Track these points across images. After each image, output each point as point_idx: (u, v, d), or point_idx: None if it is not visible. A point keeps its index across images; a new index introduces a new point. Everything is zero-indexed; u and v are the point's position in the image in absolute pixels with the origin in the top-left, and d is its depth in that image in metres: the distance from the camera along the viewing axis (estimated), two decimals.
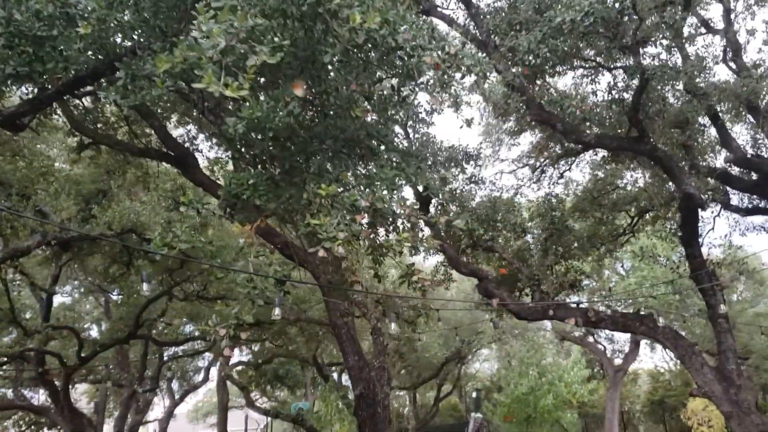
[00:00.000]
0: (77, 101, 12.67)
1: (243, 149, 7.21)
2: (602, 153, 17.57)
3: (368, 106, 7.48)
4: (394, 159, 7.54)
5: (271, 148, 7.08)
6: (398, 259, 8.55)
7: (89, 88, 9.97)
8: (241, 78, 5.11)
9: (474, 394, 38.12)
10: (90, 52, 7.99)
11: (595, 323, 14.43)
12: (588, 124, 13.03)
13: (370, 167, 7.20)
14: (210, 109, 9.02)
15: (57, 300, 31.17)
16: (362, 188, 6.83)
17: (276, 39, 5.45)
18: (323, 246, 6.12)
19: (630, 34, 11.36)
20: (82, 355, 22.68)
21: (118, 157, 15.68)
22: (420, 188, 8.52)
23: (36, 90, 8.92)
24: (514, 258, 17.20)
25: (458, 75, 7.58)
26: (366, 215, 6.53)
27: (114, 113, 13.97)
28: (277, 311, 6.66)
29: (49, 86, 8.67)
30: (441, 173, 8.32)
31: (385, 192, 6.88)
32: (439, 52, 7.38)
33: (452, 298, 25.07)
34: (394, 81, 7.55)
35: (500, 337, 30.05)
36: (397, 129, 15.28)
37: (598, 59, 14.18)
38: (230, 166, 8.08)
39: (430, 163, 13.24)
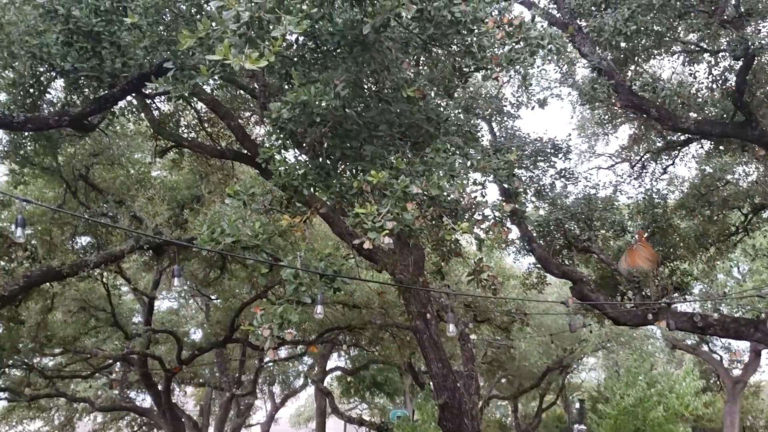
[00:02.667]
0: (155, 104, 12.81)
1: (294, 137, 6.83)
2: (708, 145, 16.14)
3: (425, 85, 6.92)
4: (455, 145, 6.94)
5: (321, 134, 6.67)
6: (477, 256, 7.90)
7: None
8: (266, 50, 4.70)
9: (578, 404, 36.41)
10: (147, 46, 7.89)
11: (703, 329, 13.14)
12: (686, 109, 11.86)
13: (428, 153, 6.64)
14: (270, 99, 8.72)
15: (163, 305, 32.39)
16: (418, 175, 6.27)
17: (305, 7, 5.02)
18: (369, 237, 5.63)
19: (732, 5, 10.20)
20: (182, 358, 23.22)
21: (200, 160, 15.83)
22: (490, 178, 7.85)
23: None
24: (613, 259, 16.09)
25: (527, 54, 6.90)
26: (417, 204, 5.98)
27: (193, 115, 14.10)
28: (319, 309, 6.21)
29: (114, 85, 8.70)
30: (504, 154, 7.60)
31: (443, 179, 6.29)
32: (506, 26, 6.75)
33: (547, 301, 23.92)
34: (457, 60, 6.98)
35: (605, 345, 28.46)
36: (481, 123, 14.67)
37: (697, 43, 12.97)
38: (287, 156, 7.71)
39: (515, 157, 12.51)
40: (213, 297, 27.40)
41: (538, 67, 12.47)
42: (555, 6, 11.81)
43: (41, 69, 9.49)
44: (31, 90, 10.32)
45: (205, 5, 6.77)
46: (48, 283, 18.04)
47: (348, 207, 6.59)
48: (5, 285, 12.90)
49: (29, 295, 17.98)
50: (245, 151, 12.90)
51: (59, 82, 11.22)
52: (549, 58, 7.32)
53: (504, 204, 6.67)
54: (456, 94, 12.35)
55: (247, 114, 14.37)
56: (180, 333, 25.10)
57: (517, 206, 8.05)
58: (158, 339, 26.85)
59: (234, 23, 4.68)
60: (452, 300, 14.75)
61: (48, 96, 11.34)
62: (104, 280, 19.63)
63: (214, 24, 4.74)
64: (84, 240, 18.98)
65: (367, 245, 5.62)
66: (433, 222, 7.09)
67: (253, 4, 4.67)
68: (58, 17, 7.45)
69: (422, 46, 7.18)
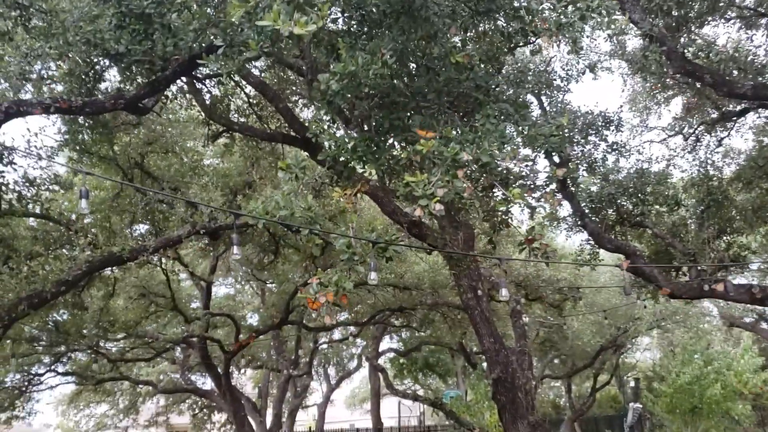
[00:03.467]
0: (206, 87, 13.06)
1: (342, 109, 6.90)
2: (767, 114, 15.63)
3: (473, 54, 6.89)
4: (505, 112, 6.89)
5: (369, 106, 6.73)
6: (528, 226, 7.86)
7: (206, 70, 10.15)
8: (314, 15, 4.77)
9: (632, 383, 35.85)
10: (197, 28, 8.06)
11: (762, 300, 12.79)
12: (743, 75, 11.49)
13: (477, 120, 6.62)
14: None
15: (221, 291, 33.12)
16: (468, 143, 6.27)
17: None
18: (420, 204, 5.67)
19: None
20: (239, 341, 23.74)
21: (251, 144, 16.07)
22: (540, 151, 7.76)
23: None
24: (667, 234, 15.78)
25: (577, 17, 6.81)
26: (467, 173, 5.99)
27: (243, 99, 14.31)
28: (373, 275, 6.28)
29: (167, 67, 8.91)
30: (555, 120, 7.50)
31: (494, 145, 6.26)
32: None
33: (601, 280, 23.60)
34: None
35: (659, 323, 27.93)
36: (530, 98, 14.49)
37: (756, 8, 12.53)
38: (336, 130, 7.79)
39: (566, 130, 12.33)
40: (268, 281, 27.90)
41: (587, 36, 12.24)
42: None
43: (95, 56, 9.77)
44: (86, 78, 10.64)
45: None
46: (109, 270, 18.67)
47: (398, 180, 6.63)
48: (69, 271, 13.37)
49: (92, 282, 18.62)
50: (294, 134, 13.06)
51: (113, 72, 11.58)
52: (599, 23, 7.20)
53: (556, 170, 6.61)
54: (504, 70, 12.25)
55: (295, 98, 14.52)
56: (237, 317, 25.68)
57: (568, 171, 7.93)
58: (216, 323, 27.54)
59: None
60: (503, 277, 14.66)
61: (102, 85, 11.71)
62: (163, 266, 20.16)
63: None
64: (142, 228, 19.52)
65: (418, 212, 5.66)
66: (483, 192, 7.09)
67: None
68: (111, 1, 7.67)
69: (470, 15, 7.15)
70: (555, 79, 14.68)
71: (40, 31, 9.04)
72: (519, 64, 14.07)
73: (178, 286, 25.14)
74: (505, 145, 6.37)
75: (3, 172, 11.01)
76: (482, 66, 7.75)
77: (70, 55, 9.50)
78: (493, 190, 7.37)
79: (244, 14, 4.96)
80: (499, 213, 7.35)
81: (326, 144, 6.73)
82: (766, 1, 11.79)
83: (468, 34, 7.77)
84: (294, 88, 13.72)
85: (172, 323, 27.00)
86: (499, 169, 6.59)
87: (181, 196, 17.69)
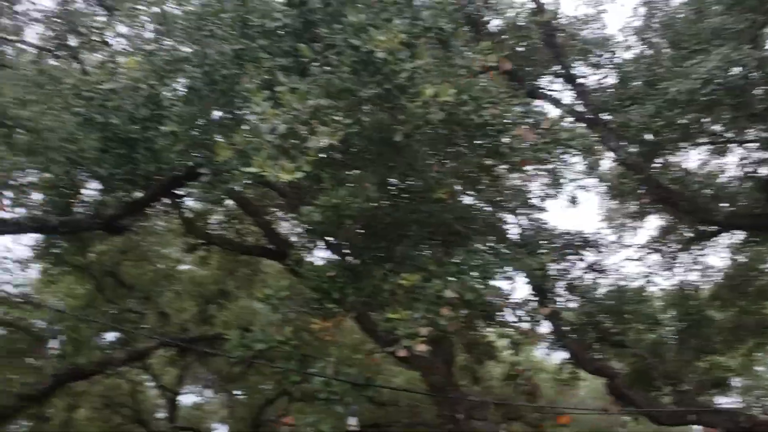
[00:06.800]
0: (184, 202, 13.00)
1: (323, 238, 6.83)
2: (741, 235, 15.87)
3: (455, 187, 6.93)
4: (487, 245, 6.86)
5: (353, 237, 6.66)
6: (508, 356, 7.70)
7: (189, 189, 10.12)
8: (302, 161, 4.75)
9: None
10: (181, 149, 8.05)
11: (749, 431, 12.49)
12: (717, 201, 11.73)
13: (460, 254, 6.57)
14: (302, 202, 8.79)
15: (188, 399, 31.86)
16: (450, 278, 6.18)
17: (339, 119, 5.10)
18: (403, 345, 5.49)
19: (758, 99, 10.24)
20: None
21: (229, 257, 15.92)
22: (523, 276, 7.72)
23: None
24: (647, 353, 15.58)
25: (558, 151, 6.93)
26: (452, 308, 5.86)
27: (222, 212, 14.27)
28: (352, 421, 5.99)
29: (148, 185, 8.86)
30: (538, 257, 7.48)
31: (477, 281, 6.19)
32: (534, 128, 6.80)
33: (582, 399, 23.10)
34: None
35: None
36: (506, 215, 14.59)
37: (725, 134, 12.96)
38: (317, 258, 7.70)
39: (544, 251, 12.35)
40: (237, 392, 26.92)
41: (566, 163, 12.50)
42: (581, 102, 11.95)
43: (76, 173, 9.74)
44: (66, 191, 10.56)
45: (241, 113, 6.94)
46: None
47: (380, 309, 6.49)
48: (34, 384, 12.85)
49: (55, 393, 17.86)
50: (272, 247, 12.96)
51: (93, 183, 11.51)
52: (578, 155, 7.34)
53: (541, 308, 6.53)
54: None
55: (274, 209, 14.50)
56: (203, 429, 24.59)
57: (552, 307, 7.87)
58: None
59: (270, 134, 4.76)
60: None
61: (81, 195, 11.62)
62: (129, 377, 19.48)
63: (249, 135, 4.82)
64: (111, 335, 18.95)
65: (401, 353, 5.49)
66: (467, 324, 6.95)
67: (289, 116, 4.75)
68: (96, 125, 7.67)
69: (450, 144, 7.24)
70: (531, 199, 14.84)
71: (23, 147, 9.03)
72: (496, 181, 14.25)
73: (144, 395, 24.17)
74: (488, 280, 6.29)
75: None
76: (461, 194, 7.80)
77: (51, 172, 9.45)
78: (475, 322, 7.22)
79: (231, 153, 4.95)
80: (482, 345, 7.19)
81: (307, 273, 6.60)
82: (729, 124, 12.15)
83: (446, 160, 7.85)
84: (275, 201, 13.72)
85: None
86: (483, 303, 6.48)
87: (153, 305, 17.35)
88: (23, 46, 12.22)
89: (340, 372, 6.11)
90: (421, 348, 5.45)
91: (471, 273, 6.17)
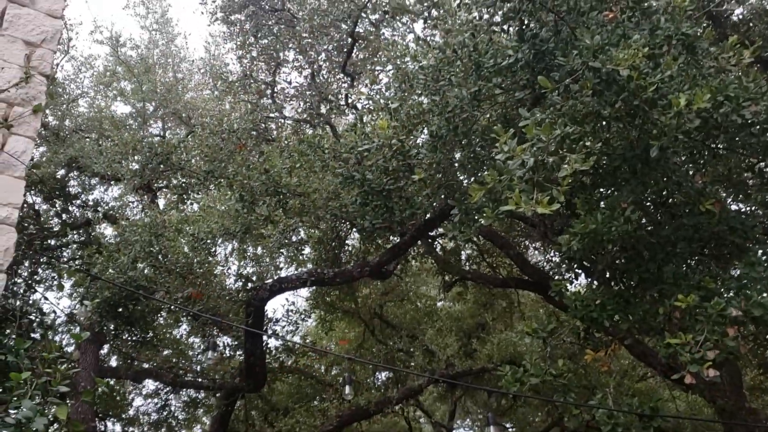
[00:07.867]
0: (437, 242, 13.53)
1: (583, 265, 6.67)
2: None
3: (722, 195, 6.38)
4: None
5: (612, 258, 6.42)
6: None
7: (440, 230, 10.56)
8: (555, 192, 4.74)
9: None
10: (429, 193, 8.47)
11: None
12: None
13: (739, 267, 6.01)
14: (552, 229, 8.72)
15: None
16: (732, 294, 5.67)
17: (588, 144, 5.00)
18: (690, 371, 5.13)
19: None
20: None
21: (484, 290, 16.15)
22: None
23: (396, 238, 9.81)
24: None
25: None
26: (739, 327, 5.35)
27: (473, 248, 14.58)
28: None
29: (404, 234, 9.44)
30: None
31: (764, 295, 5.60)
32: None
33: None
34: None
35: None
36: None
37: None
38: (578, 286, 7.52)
39: None
40: (508, 425, 26.83)
41: None
42: None
43: (340, 226, 10.76)
44: (333, 244, 11.71)
45: (482, 152, 7.13)
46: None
47: (654, 334, 6.14)
48: (321, 426, 14.00)
49: None
50: (527, 278, 12.91)
51: (354, 234, 12.54)
52: None
53: None
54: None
55: (524, 240, 14.50)
56: None
57: None
58: None
59: (520, 170, 4.82)
60: None
61: (345, 247, 12.74)
62: (404, 413, 20.36)
63: (500, 173, 4.92)
64: (383, 375, 20.06)
65: (688, 380, 5.12)
66: (757, 342, 6.30)
67: (536, 150, 4.78)
68: (355, 182, 8.37)
69: (709, 150, 6.73)
70: None
71: (295, 211, 10.13)
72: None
73: None
74: None
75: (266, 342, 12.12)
76: (729, 202, 7.16)
77: (320, 227, 10.52)
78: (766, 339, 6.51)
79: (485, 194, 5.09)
80: None
81: (572, 303, 6.47)
82: None
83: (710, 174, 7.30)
84: (524, 231, 13.73)
85: None
86: None
87: (419, 342, 18.08)
88: (284, 120, 13.76)
89: (621, 402, 5.86)
90: (711, 373, 5.05)
91: (755, 286, 5.60)
